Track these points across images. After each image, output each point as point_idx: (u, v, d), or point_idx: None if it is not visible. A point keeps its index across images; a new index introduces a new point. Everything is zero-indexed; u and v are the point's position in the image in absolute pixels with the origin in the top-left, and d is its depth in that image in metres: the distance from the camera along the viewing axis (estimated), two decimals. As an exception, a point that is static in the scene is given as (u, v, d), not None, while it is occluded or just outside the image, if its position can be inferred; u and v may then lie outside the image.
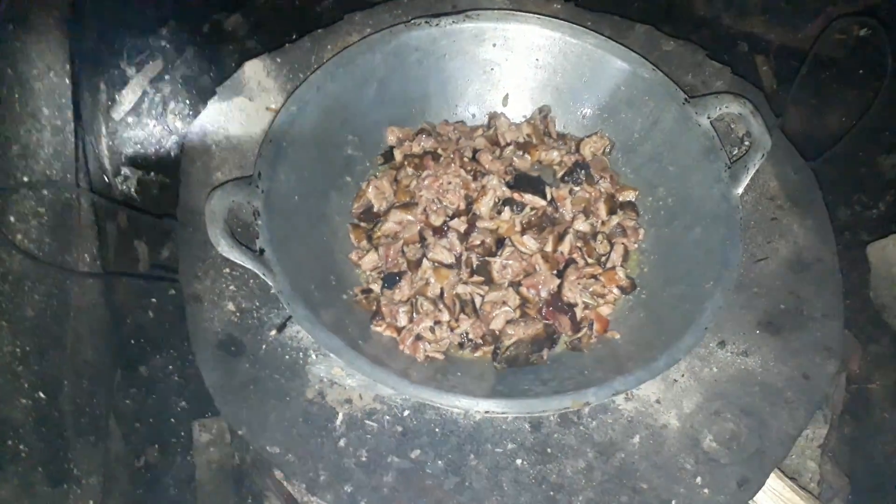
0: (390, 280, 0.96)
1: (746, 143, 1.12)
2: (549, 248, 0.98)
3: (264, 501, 1.08)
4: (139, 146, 1.51)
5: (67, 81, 1.16)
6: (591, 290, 0.98)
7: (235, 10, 1.69)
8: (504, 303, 0.95)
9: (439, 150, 1.07)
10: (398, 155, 1.08)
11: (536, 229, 0.99)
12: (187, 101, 1.59)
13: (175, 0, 1.67)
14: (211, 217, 0.85)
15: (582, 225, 1.01)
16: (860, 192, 1.49)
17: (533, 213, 1.00)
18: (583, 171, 1.05)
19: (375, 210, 1.05)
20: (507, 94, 1.15)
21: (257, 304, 0.96)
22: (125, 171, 1.47)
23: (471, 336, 0.95)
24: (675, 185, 1.04)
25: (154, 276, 1.26)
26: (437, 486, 0.86)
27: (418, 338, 0.93)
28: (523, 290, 0.96)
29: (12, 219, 0.96)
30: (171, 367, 1.27)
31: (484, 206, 0.99)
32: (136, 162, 1.49)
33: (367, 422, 0.89)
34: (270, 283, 0.86)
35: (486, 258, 0.97)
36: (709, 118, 1.02)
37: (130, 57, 1.60)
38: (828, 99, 1.57)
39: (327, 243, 1.01)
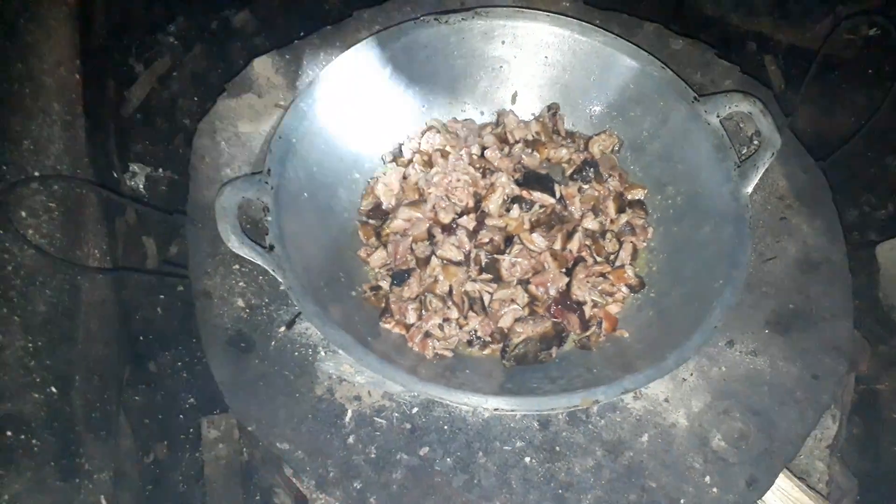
0: (399, 277, 0.96)
1: (755, 142, 1.12)
2: (557, 246, 0.98)
3: (273, 498, 1.09)
4: (148, 142, 1.52)
5: (77, 77, 1.16)
6: (599, 288, 0.98)
7: (244, 7, 1.70)
8: (513, 300, 0.95)
9: (448, 148, 1.07)
10: (407, 152, 1.08)
11: (545, 227, 0.99)
12: (195, 98, 1.59)
13: (183, -3, 1.68)
14: (221, 213, 0.85)
15: (591, 223, 1.01)
16: (869, 192, 1.48)
17: (542, 210, 1.00)
18: (591, 170, 1.05)
19: (384, 207, 1.05)
20: (515, 92, 1.15)
21: (266, 300, 0.96)
22: (133, 167, 1.47)
23: (479, 334, 0.95)
24: (684, 183, 1.04)
25: (163, 272, 1.26)
26: (446, 483, 0.86)
27: (427, 335, 0.93)
28: (532, 287, 0.96)
29: (23, 213, 0.97)
30: (179, 363, 1.27)
31: (493, 204, 0.99)
32: (145, 158, 1.49)
33: (375, 419, 0.90)
34: (280, 280, 0.86)
35: (495, 256, 0.97)
36: (718, 117, 1.02)
37: (139, 54, 1.61)
38: (837, 99, 1.57)
39: (336, 240, 1.01)
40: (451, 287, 0.95)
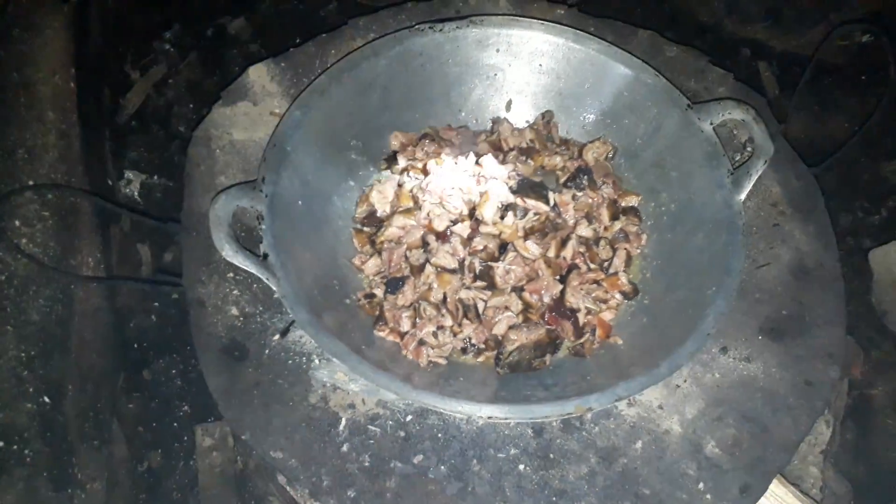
0: (393, 285, 0.96)
1: (749, 149, 1.13)
2: (551, 254, 0.99)
3: (267, 506, 1.09)
4: (143, 149, 1.52)
5: (72, 85, 1.16)
6: (593, 295, 0.98)
7: (239, 15, 1.70)
8: (507, 308, 0.95)
9: (443, 155, 1.08)
10: (401, 160, 1.08)
11: (539, 234, 0.99)
12: (191, 106, 1.59)
13: (179, 4, 1.68)
14: (215, 222, 0.85)
15: (585, 230, 1.01)
16: (862, 198, 1.49)
17: (536, 218, 1.00)
18: (585, 177, 1.05)
19: (378, 215, 1.05)
20: (510, 100, 1.16)
21: (261, 308, 0.96)
22: (128, 174, 1.47)
23: (473, 341, 0.95)
24: (677, 190, 1.05)
25: (157, 280, 1.26)
26: (440, 491, 0.86)
27: (421, 343, 0.93)
28: (526, 295, 0.96)
29: (17, 222, 0.97)
30: (173, 371, 1.27)
31: (487, 211, 0.99)
32: (140, 166, 1.49)
33: (369, 427, 0.89)
34: (274, 288, 0.86)
35: (489, 263, 0.97)
36: (711, 124, 1.02)
37: (134, 61, 1.61)
38: (830, 105, 1.58)
39: (330, 248, 1.01)
40: (445, 295, 0.95)
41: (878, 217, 1.46)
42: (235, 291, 0.97)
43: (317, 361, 0.93)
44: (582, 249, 1.00)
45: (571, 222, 1.02)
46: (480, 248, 0.98)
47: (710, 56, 1.22)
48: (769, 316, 1.00)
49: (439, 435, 0.89)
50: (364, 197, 1.07)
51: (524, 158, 1.07)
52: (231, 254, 0.84)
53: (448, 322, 0.94)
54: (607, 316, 0.98)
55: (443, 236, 0.99)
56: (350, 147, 1.07)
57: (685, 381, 0.94)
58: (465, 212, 1.01)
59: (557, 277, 0.98)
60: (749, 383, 0.95)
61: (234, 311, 0.96)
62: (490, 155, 1.06)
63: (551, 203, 1.02)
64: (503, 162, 1.07)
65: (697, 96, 1.16)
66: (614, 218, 1.04)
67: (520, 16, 1.13)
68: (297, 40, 1.32)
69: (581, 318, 0.96)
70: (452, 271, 0.96)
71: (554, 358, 0.96)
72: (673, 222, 1.04)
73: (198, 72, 1.63)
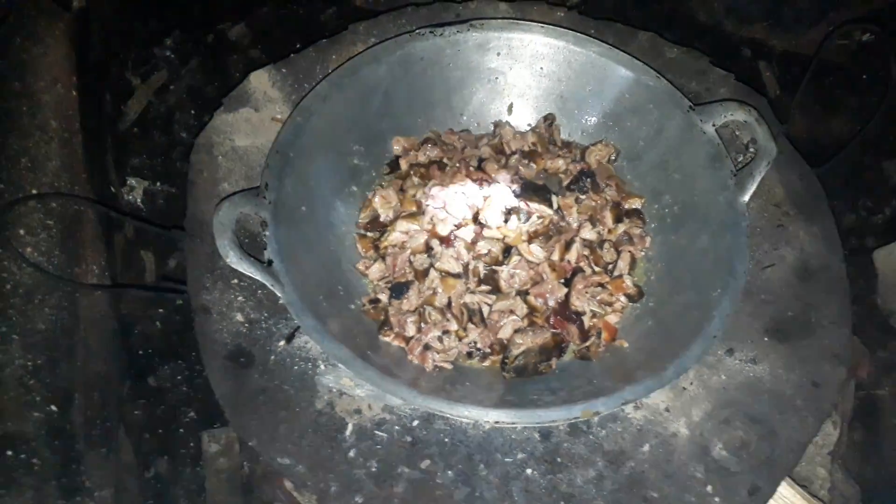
0: (398, 290, 0.96)
1: (751, 150, 1.13)
2: (556, 257, 0.99)
3: (274, 512, 1.08)
4: (145, 156, 1.52)
5: (74, 93, 1.16)
6: (598, 298, 0.98)
7: (239, 21, 1.70)
8: (512, 312, 0.95)
9: (445, 160, 1.08)
10: (404, 164, 1.09)
11: (543, 238, 0.99)
12: (192, 112, 1.59)
13: (179, 11, 1.68)
14: (219, 229, 0.85)
15: (589, 233, 1.01)
16: (865, 197, 1.48)
17: (540, 221, 1.00)
18: (588, 180, 1.05)
19: (382, 220, 1.05)
20: (511, 103, 1.16)
21: (265, 314, 0.96)
22: (131, 181, 1.47)
23: (479, 345, 0.95)
24: (680, 192, 1.05)
25: (162, 287, 1.26)
26: (448, 496, 0.86)
27: (427, 347, 0.93)
28: (531, 298, 0.96)
29: (22, 231, 0.97)
30: (179, 377, 1.27)
31: (491, 215, 0.99)
32: (142, 173, 1.49)
33: (376, 432, 0.89)
34: (279, 294, 0.86)
35: (494, 267, 0.97)
36: (714, 126, 1.02)
37: (135, 67, 1.61)
38: (832, 105, 1.57)
39: (334, 253, 1.01)
40: (449, 299, 0.95)
41: (882, 217, 1.46)
42: (240, 298, 0.97)
43: (322, 367, 0.93)
44: (586, 252, 1.00)
45: (575, 225, 1.02)
46: (485, 252, 0.98)
47: (710, 57, 1.22)
48: (774, 317, 1.00)
49: (446, 440, 0.89)
50: (367, 202, 1.07)
51: (527, 162, 1.07)
52: (235, 260, 0.84)
53: (453, 326, 0.94)
54: (612, 319, 0.98)
55: (447, 241, 0.99)
56: (352, 152, 1.07)
57: (691, 383, 0.94)
58: (469, 216, 1.01)
59: (562, 281, 0.98)
60: (756, 385, 0.94)
61: (239, 317, 0.96)
62: (493, 158, 1.06)
63: (555, 206, 1.02)
64: (505, 165, 1.07)
65: (699, 97, 1.16)
66: (618, 221, 1.04)
67: (520, 19, 1.13)
68: (298, 46, 1.32)
69: (586, 321, 0.96)
70: (457, 276, 0.96)
71: (560, 361, 0.95)
72: (676, 224, 1.04)
73: (199, 78, 1.63)
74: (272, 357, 0.93)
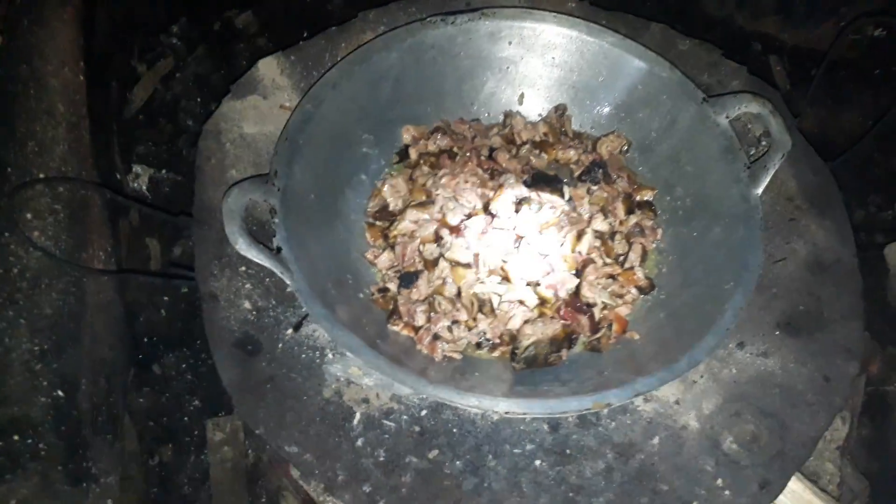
0: (407, 279, 0.95)
1: (763, 143, 1.12)
2: (567, 248, 0.98)
3: (281, 501, 1.08)
4: (150, 144, 1.51)
5: (81, 78, 1.15)
6: (609, 290, 0.97)
7: (246, 8, 1.69)
8: (522, 302, 0.94)
9: (455, 149, 1.07)
10: (413, 153, 1.08)
11: (555, 228, 0.98)
12: (198, 99, 1.58)
13: (186, -3, 1.67)
14: (229, 215, 0.85)
15: (600, 224, 1.01)
16: (875, 193, 1.48)
17: (551, 212, 0.99)
18: (600, 171, 1.05)
19: (391, 209, 1.04)
20: (522, 93, 1.15)
21: (273, 302, 0.96)
22: (136, 168, 1.46)
23: (488, 336, 0.94)
24: (693, 184, 1.04)
25: (170, 274, 1.25)
26: (456, 486, 0.85)
27: (436, 337, 0.92)
28: (541, 289, 0.95)
29: (29, 216, 0.96)
30: (184, 365, 1.27)
31: (502, 205, 0.98)
32: (148, 160, 1.48)
33: (384, 421, 0.89)
34: (288, 282, 0.85)
35: (504, 257, 0.96)
36: (727, 118, 1.01)
37: (141, 54, 1.60)
38: (842, 99, 1.56)
39: (343, 242, 1.00)
40: (459, 289, 0.95)
41: (892, 213, 1.45)
42: (248, 285, 0.96)
43: (330, 356, 0.92)
44: (597, 244, 0.99)
45: (587, 216, 1.01)
46: (495, 242, 0.96)
47: (722, 49, 1.21)
48: (786, 311, 0.99)
49: (454, 430, 0.89)
50: (376, 191, 1.06)
51: (538, 152, 1.06)
52: (245, 248, 0.84)
53: (463, 316, 0.93)
54: (623, 311, 0.97)
55: (457, 230, 0.98)
56: (361, 141, 1.07)
57: (702, 376, 0.94)
58: (479, 205, 1.01)
59: (573, 272, 0.97)
60: (766, 379, 0.94)
61: (247, 304, 0.95)
62: (504, 148, 1.05)
63: (566, 197, 1.01)
64: (516, 155, 1.06)
65: (711, 90, 1.15)
66: (629, 212, 1.03)
67: (532, 8, 1.11)
68: (304, 33, 1.31)
69: (597, 312, 0.96)
70: (467, 265, 0.95)
71: (570, 353, 0.95)
72: (688, 217, 1.03)
73: (205, 66, 1.62)
74: (280, 345, 0.93)
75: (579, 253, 0.98)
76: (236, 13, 1.69)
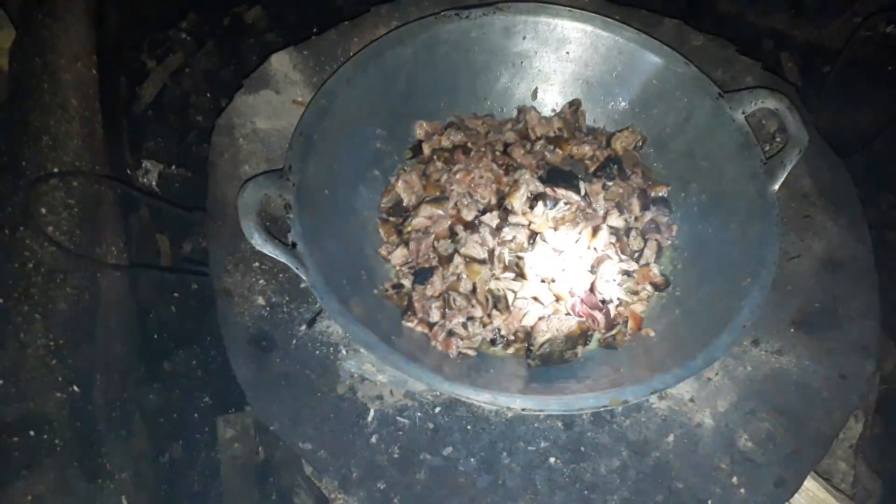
0: (422, 275, 0.95)
1: (778, 139, 1.11)
2: (582, 244, 0.97)
3: (294, 498, 1.08)
4: (160, 139, 1.51)
5: (94, 72, 1.15)
6: (624, 286, 0.97)
7: (256, 3, 1.68)
8: (536, 299, 0.94)
9: (469, 144, 1.06)
10: (427, 149, 1.07)
11: (570, 224, 0.98)
12: (208, 95, 1.58)
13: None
14: (244, 210, 0.84)
15: (615, 220, 1.00)
16: (887, 190, 1.47)
17: (567, 208, 0.98)
18: (615, 166, 1.04)
19: (405, 204, 1.04)
20: (536, 88, 1.14)
21: (287, 298, 0.95)
22: (146, 164, 1.46)
23: (503, 332, 0.94)
24: (708, 180, 1.03)
25: (184, 269, 1.25)
26: (471, 484, 0.85)
27: (451, 334, 0.92)
28: (556, 286, 0.95)
29: (44, 210, 0.96)
30: (194, 362, 1.26)
31: (517, 201, 0.98)
32: (158, 155, 1.48)
33: (398, 418, 0.89)
34: (303, 277, 0.85)
35: (519, 254, 0.96)
36: (743, 113, 1.00)
37: (151, 50, 1.60)
38: (855, 97, 1.55)
39: (357, 237, 1.00)
40: (474, 285, 0.94)
41: (905, 210, 1.44)
42: (262, 281, 0.96)
43: (344, 352, 0.92)
44: (612, 240, 0.99)
45: (602, 212, 1.01)
46: (510, 238, 0.96)
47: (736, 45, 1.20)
48: (801, 308, 0.98)
49: (468, 427, 0.88)
50: (390, 186, 1.05)
51: (552, 148, 1.06)
52: (261, 243, 0.83)
53: (478, 313, 0.92)
54: (638, 308, 0.97)
55: (471, 226, 0.98)
56: (375, 136, 1.06)
57: (717, 373, 0.93)
58: (494, 201, 1.00)
59: (588, 268, 0.96)
60: (782, 376, 0.93)
61: (261, 300, 0.95)
62: (518, 143, 1.04)
63: (582, 193, 1.00)
64: (531, 151, 1.05)
65: (725, 85, 1.14)
66: (645, 208, 1.03)
67: (547, 2, 1.11)
68: (314, 28, 1.30)
69: (612, 309, 0.95)
70: (482, 262, 0.95)
71: (585, 350, 0.94)
72: (704, 213, 1.03)
73: (214, 61, 1.62)
74: (294, 341, 0.92)
75: (595, 249, 0.97)
76: (246, 8, 1.68)
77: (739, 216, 0.97)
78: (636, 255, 1.00)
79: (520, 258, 0.95)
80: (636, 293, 0.97)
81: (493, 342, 0.94)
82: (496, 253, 0.95)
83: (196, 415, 1.22)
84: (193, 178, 1.46)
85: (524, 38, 1.09)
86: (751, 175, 0.97)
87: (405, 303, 0.95)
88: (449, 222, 0.99)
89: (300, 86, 1.12)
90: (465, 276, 0.94)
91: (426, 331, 0.93)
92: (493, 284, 0.94)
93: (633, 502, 0.85)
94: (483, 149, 1.04)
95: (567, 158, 1.07)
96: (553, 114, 1.13)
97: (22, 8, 1.01)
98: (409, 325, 0.93)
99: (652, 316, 0.98)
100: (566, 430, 0.89)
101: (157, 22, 1.62)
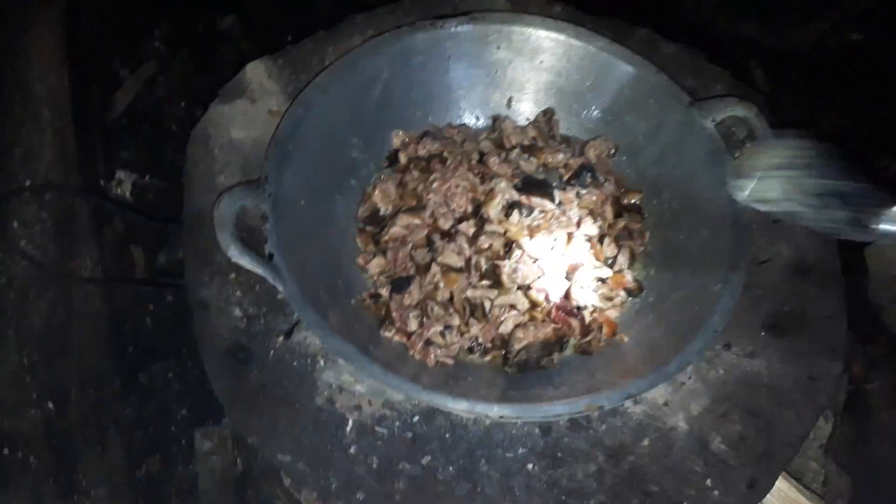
0: (399, 284, 0.95)
1: (747, 145, 1.13)
2: (557, 251, 0.98)
3: (272, 509, 1.07)
4: (134, 150, 1.49)
5: (66, 82, 1.14)
6: (599, 292, 0.98)
7: (230, 11, 1.68)
8: (513, 306, 0.95)
9: (445, 153, 1.07)
10: (403, 158, 1.08)
11: (545, 232, 0.99)
12: (182, 104, 1.57)
13: (169, 1, 1.66)
14: (220, 222, 0.84)
15: (589, 228, 1.01)
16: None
17: (541, 216, 0.99)
18: (588, 174, 1.05)
19: (382, 214, 1.04)
20: (510, 97, 1.15)
21: (264, 309, 0.95)
22: (120, 174, 1.45)
23: (480, 340, 0.94)
24: (680, 187, 1.05)
25: (159, 282, 1.24)
26: (449, 492, 0.86)
27: (428, 343, 0.92)
28: (532, 293, 0.96)
29: (16, 224, 0.95)
30: (171, 374, 1.25)
31: (493, 210, 0.99)
32: (131, 166, 1.47)
33: (377, 428, 0.89)
34: (280, 289, 0.85)
35: (496, 262, 0.97)
36: (713, 121, 1.02)
37: (123, 58, 1.58)
38: (822, 103, 1.59)
39: (334, 247, 1.00)
40: (452, 294, 0.95)
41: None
42: (238, 293, 0.96)
43: (322, 363, 0.92)
44: (587, 247, 1.00)
45: (576, 220, 1.02)
46: (486, 246, 0.97)
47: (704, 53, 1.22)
48: (771, 312, 1.00)
49: (447, 435, 0.89)
50: (367, 196, 1.06)
51: (527, 156, 1.07)
52: (237, 255, 0.83)
53: (455, 321, 0.93)
54: (612, 314, 0.98)
55: (448, 235, 0.98)
56: (351, 145, 1.06)
57: (690, 377, 0.95)
58: (470, 210, 1.01)
59: (563, 275, 0.98)
60: (753, 379, 0.95)
61: (238, 312, 0.95)
62: (494, 153, 1.05)
63: (556, 201, 1.02)
64: (506, 160, 1.06)
65: (695, 93, 1.15)
66: (618, 215, 1.04)
67: (520, 12, 1.12)
68: (289, 37, 1.30)
69: (587, 315, 0.96)
70: (459, 270, 0.96)
71: (561, 356, 0.95)
72: (676, 219, 1.04)
73: (189, 69, 1.61)
74: (271, 353, 0.92)
75: (569, 256, 0.98)
76: (220, 16, 1.68)
77: (710, 222, 0.98)
78: (610, 261, 1.02)
79: (496, 266, 0.96)
80: (610, 299, 0.98)
81: (470, 350, 0.95)
82: (473, 261, 0.96)
83: (173, 428, 1.21)
84: (168, 189, 1.45)
85: (498, 47, 1.10)
86: (721, 181, 0.99)
87: (383, 312, 0.95)
88: (426, 231, 0.99)
89: (275, 95, 1.12)
90: (442, 285, 0.95)
91: (404, 340, 0.93)
92: (470, 293, 0.95)
93: (610, 506, 0.86)
94: (459, 158, 1.04)
95: (541, 167, 1.08)
96: (527, 122, 1.14)
97: (-9, 19, 0.99)
98: (387, 334, 0.93)
99: (626, 322, 0.99)
100: (543, 437, 0.90)
101: (130, 30, 1.61)
